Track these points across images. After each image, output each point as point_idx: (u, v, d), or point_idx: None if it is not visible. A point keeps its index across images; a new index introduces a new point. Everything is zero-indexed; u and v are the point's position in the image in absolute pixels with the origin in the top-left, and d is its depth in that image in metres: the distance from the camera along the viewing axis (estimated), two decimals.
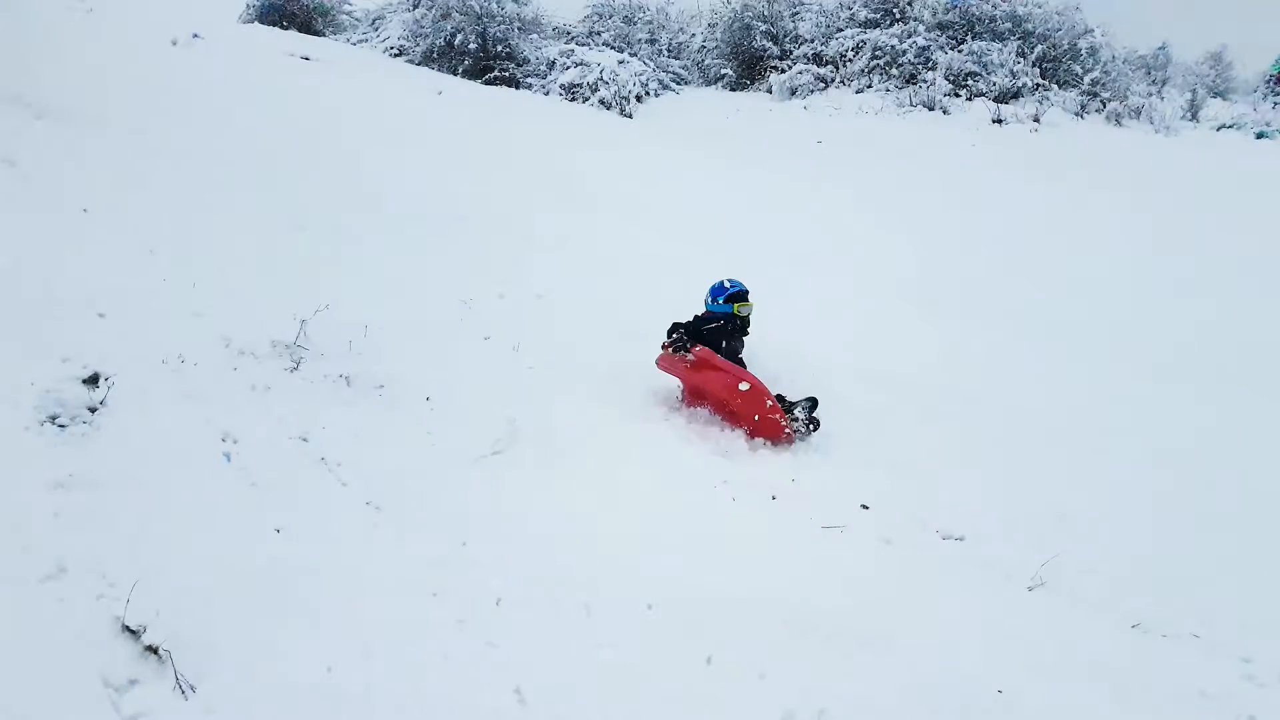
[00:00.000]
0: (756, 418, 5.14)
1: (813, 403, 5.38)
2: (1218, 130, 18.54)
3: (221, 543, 3.13)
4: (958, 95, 18.94)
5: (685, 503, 4.17)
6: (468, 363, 5.11)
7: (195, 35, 14.49)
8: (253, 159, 8.39)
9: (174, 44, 13.51)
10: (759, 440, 5.10)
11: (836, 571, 3.85)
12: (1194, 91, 20.95)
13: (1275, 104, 21.24)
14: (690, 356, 5.36)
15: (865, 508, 4.54)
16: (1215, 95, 24.27)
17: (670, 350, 5.47)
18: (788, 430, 5.17)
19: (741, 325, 5.71)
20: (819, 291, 8.83)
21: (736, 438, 5.09)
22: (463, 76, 21.58)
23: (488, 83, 21.32)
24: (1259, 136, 17.78)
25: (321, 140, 9.96)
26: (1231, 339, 8.30)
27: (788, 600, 3.48)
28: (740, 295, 5.71)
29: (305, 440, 3.97)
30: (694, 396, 5.50)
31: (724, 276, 5.83)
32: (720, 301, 5.72)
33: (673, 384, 5.60)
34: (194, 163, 7.55)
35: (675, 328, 5.60)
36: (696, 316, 5.74)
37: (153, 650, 2.61)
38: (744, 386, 5.18)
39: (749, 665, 3.10)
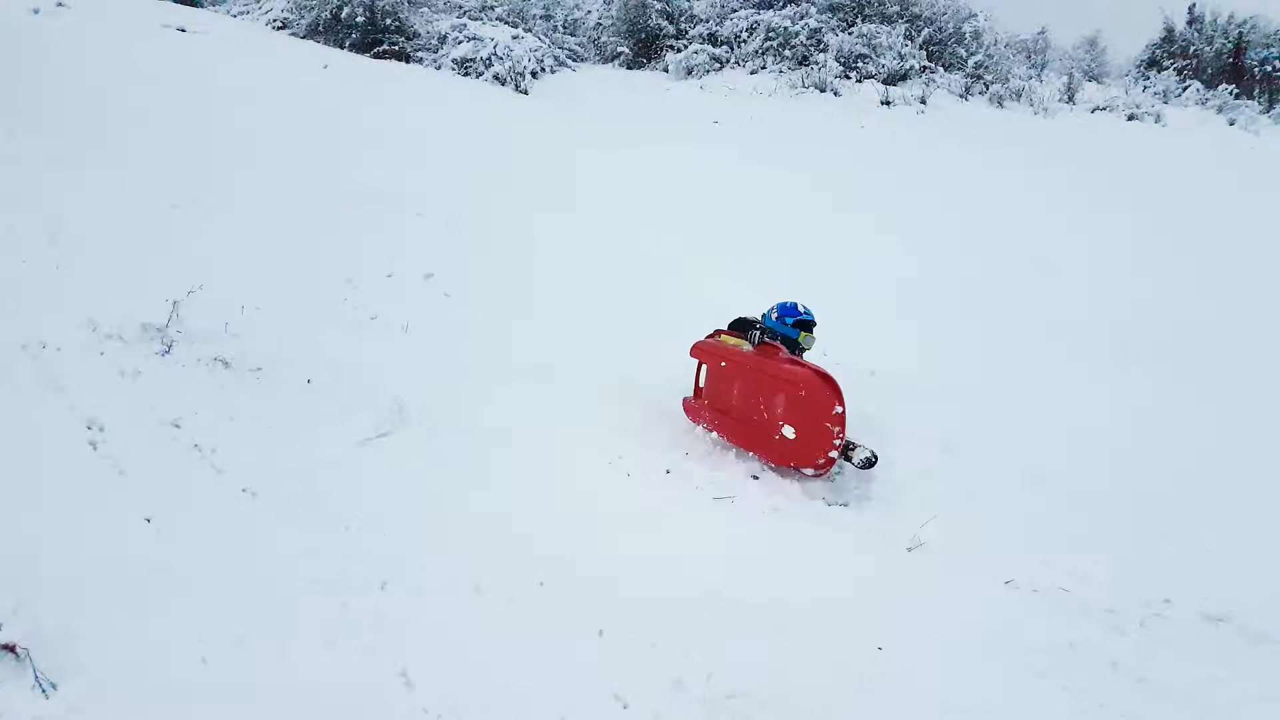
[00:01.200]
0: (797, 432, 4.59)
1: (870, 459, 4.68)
2: (1092, 112, 19.48)
3: (87, 535, 2.99)
4: (848, 77, 19.39)
5: (579, 479, 4.18)
6: (353, 343, 4.99)
7: (60, 3, 13.62)
8: (121, 134, 7.98)
9: (36, 12, 12.68)
10: (657, 416, 5.10)
11: (727, 542, 3.93)
12: (1071, 75, 21.93)
13: (1145, 88, 22.45)
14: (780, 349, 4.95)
15: (755, 478, 4.63)
16: (1091, 79, 25.48)
17: (743, 343, 5.14)
18: (825, 459, 4.59)
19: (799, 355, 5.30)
20: (713, 267, 8.93)
21: (634, 412, 5.09)
22: (350, 50, 20.94)
23: (376, 56, 20.75)
24: (1129, 118, 18.77)
25: (197, 116, 9.53)
26: (1113, 305, 8.76)
27: (680, 572, 3.53)
28: (808, 325, 5.36)
29: (178, 426, 3.82)
30: (718, 403, 5.07)
31: (794, 299, 5.46)
32: (787, 323, 5.32)
33: (568, 361, 5.56)
34: (61, 140, 7.14)
35: (745, 324, 5.34)
36: (752, 327, 5.38)
37: (9, 649, 2.47)
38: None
39: (641, 636, 3.14)
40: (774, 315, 5.41)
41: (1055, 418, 6.04)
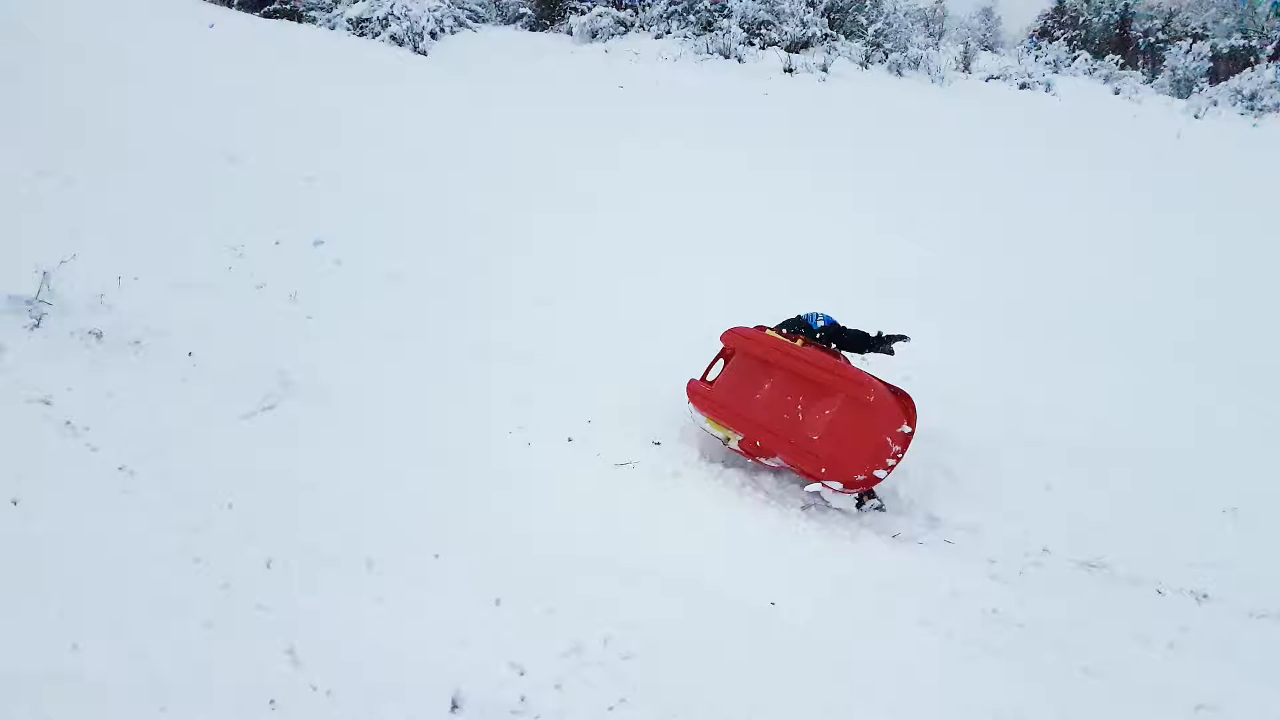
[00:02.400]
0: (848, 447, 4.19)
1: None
2: (987, 81, 20.03)
3: None
4: (752, 44, 19.45)
5: (475, 448, 4.13)
6: (238, 314, 4.81)
7: None
8: None
9: None
10: (554, 378, 5.02)
11: (627, 507, 3.95)
12: (967, 45, 22.52)
13: (1037, 57, 23.19)
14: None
15: (657, 444, 4.66)
16: (986, 48, 26.21)
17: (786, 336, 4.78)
18: (866, 475, 4.19)
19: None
20: (610, 234, 8.88)
21: (532, 380, 5.03)
22: (238, 9, 20.00)
23: (266, 15, 19.86)
24: (1022, 87, 19.37)
25: (66, 77, 8.96)
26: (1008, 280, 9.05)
27: (578, 538, 3.54)
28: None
29: (48, 403, 3.63)
30: (747, 408, 4.54)
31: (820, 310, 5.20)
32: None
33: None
34: None
35: (797, 325, 4.98)
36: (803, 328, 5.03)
37: None
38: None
39: (538, 602, 3.14)
40: (819, 323, 5.05)
41: (949, 375, 6.21)
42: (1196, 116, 16.46)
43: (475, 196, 7.90)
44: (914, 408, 4.36)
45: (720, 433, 4.56)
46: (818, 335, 4.91)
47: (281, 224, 6.12)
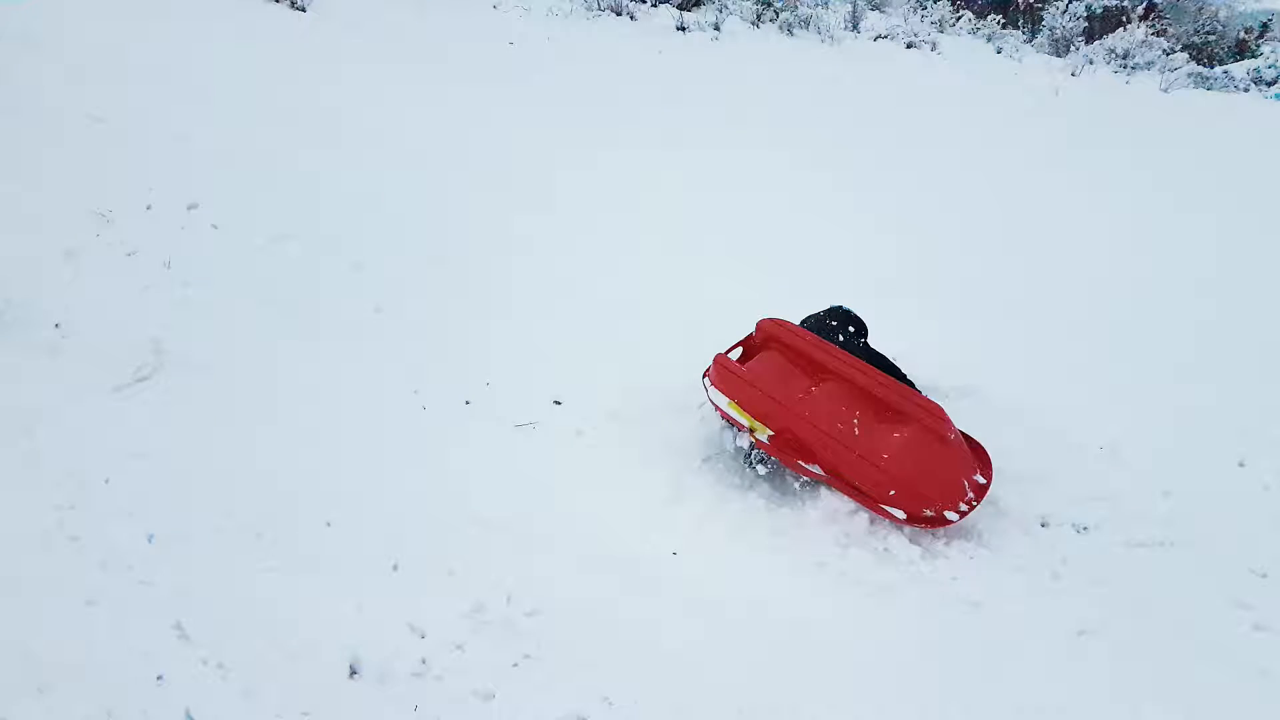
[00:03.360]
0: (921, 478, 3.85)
1: None
2: (875, 40, 20.40)
3: None
4: (644, 0, 19.31)
5: (365, 413, 4.04)
6: (107, 283, 4.56)
7: None
8: None
9: None
10: (448, 338, 4.95)
11: (527, 467, 3.95)
12: (855, 4, 22.85)
13: (923, 17, 23.75)
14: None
15: (558, 403, 4.65)
16: (874, 8, 26.65)
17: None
18: (935, 514, 3.85)
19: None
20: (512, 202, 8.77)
21: (428, 344, 4.91)
22: None
23: None
24: (908, 46, 19.82)
25: None
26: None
27: (477, 500, 3.53)
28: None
29: None
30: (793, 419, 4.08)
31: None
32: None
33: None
34: None
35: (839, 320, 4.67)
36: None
37: None
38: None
39: (438, 564, 3.13)
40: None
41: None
42: (1074, 74, 17.15)
43: (367, 154, 7.64)
44: (990, 461, 4.14)
45: (745, 420, 4.13)
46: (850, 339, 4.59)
47: (152, 187, 5.80)
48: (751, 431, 4.10)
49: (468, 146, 8.48)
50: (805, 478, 4.10)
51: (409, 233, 6.20)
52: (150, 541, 2.88)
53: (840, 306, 4.93)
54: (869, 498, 3.88)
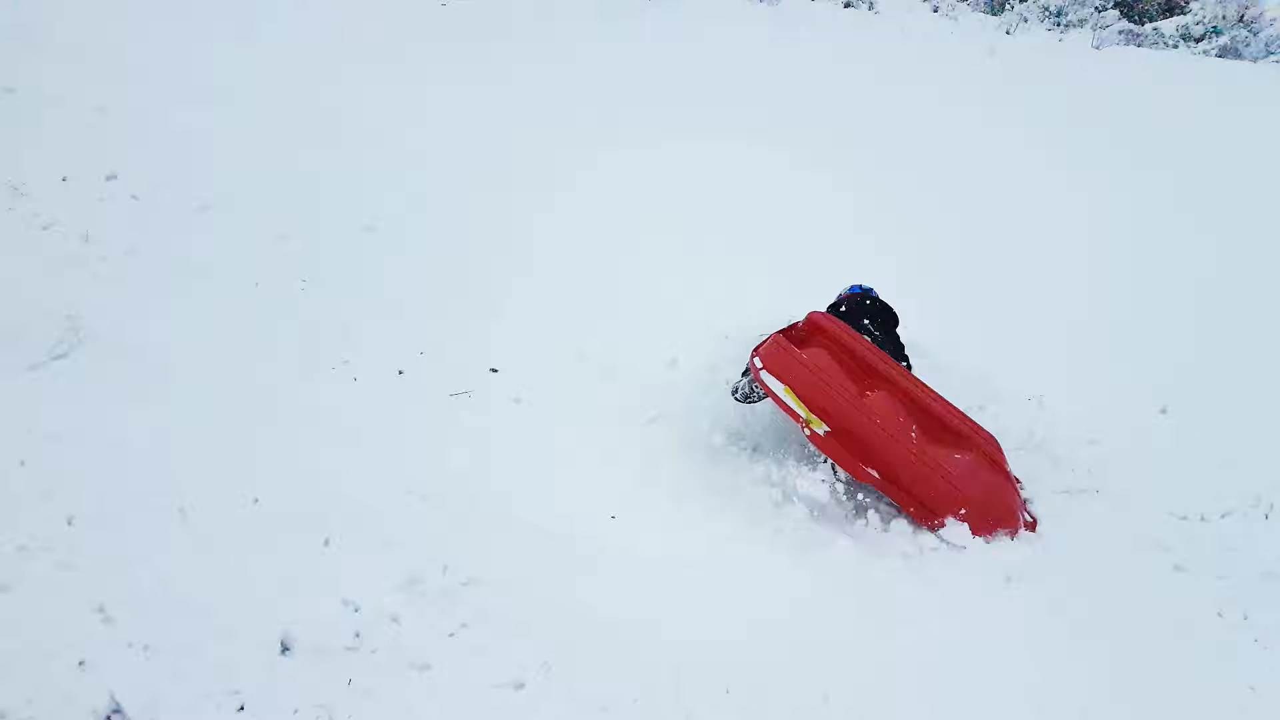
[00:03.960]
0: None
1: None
2: (812, 0, 20.39)
3: None
4: None
5: (292, 386, 3.98)
6: (21, 259, 4.40)
7: None
8: None
9: None
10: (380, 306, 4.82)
11: (463, 436, 3.93)
12: None
13: None
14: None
15: (494, 371, 4.62)
16: None
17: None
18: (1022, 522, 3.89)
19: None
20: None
21: (355, 313, 4.80)
22: None
23: None
24: (845, 6, 19.85)
25: None
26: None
27: (410, 469, 3.50)
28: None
29: None
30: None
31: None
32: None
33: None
34: None
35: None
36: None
37: None
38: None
39: (374, 537, 3.10)
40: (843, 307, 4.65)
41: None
42: (1008, 33, 17.34)
43: (282, 131, 7.43)
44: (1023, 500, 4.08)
45: (800, 410, 3.90)
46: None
47: (69, 159, 5.59)
48: (806, 424, 3.87)
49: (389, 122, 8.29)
50: (850, 476, 3.91)
51: (333, 203, 6.07)
52: (70, 524, 2.81)
53: (871, 292, 4.67)
54: (930, 511, 3.79)
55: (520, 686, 2.59)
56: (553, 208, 6.65)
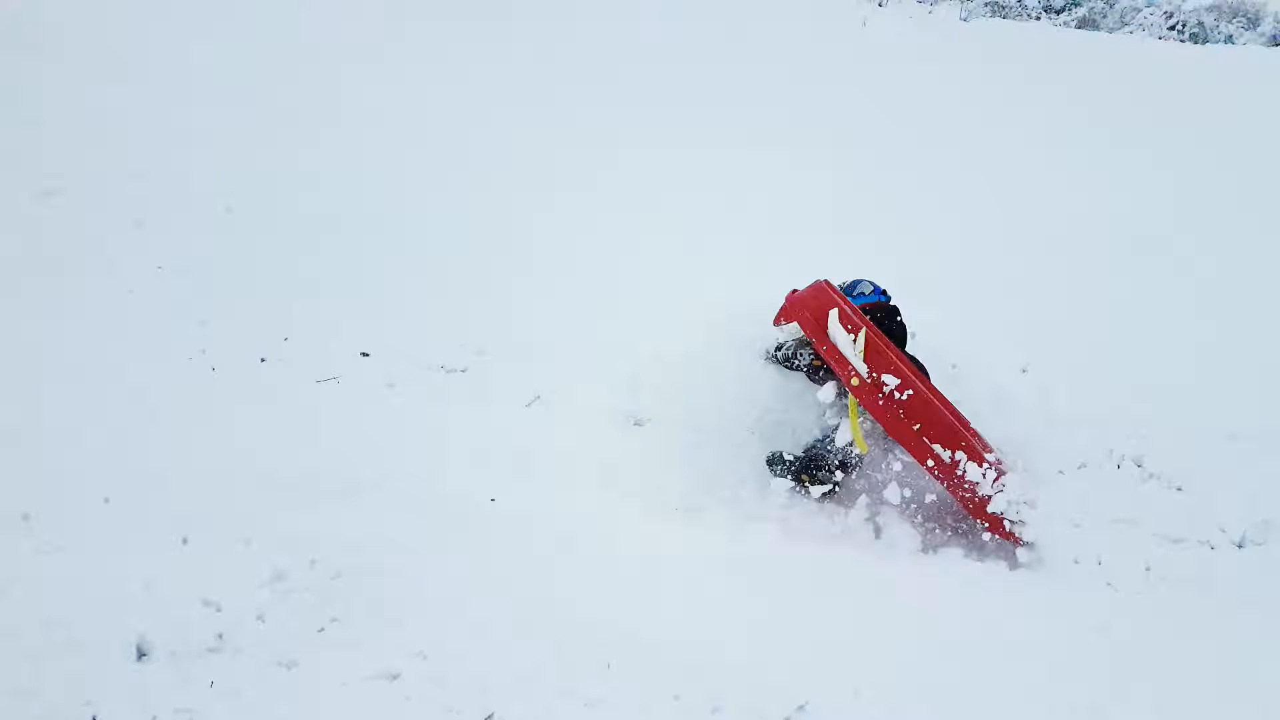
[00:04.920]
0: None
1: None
2: None
3: None
4: None
5: (143, 379, 3.81)
6: None
7: None
8: None
9: None
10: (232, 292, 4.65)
11: (332, 423, 3.84)
12: None
13: None
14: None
15: (366, 355, 4.52)
16: None
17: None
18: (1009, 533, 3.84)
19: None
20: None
21: (209, 296, 4.60)
22: None
23: None
24: None
25: None
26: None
27: (273, 460, 3.40)
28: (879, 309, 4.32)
29: None
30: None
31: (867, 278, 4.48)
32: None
33: None
34: None
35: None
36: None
37: None
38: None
39: (233, 533, 3.01)
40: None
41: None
42: (880, 4, 17.84)
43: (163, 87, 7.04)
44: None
45: (860, 365, 3.80)
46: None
47: None
48: (857, 382, 3.78)
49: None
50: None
51: (202, 186, 5.81)
52: None
53: (887, 301, 4.39)
54: (973, 502, 3.79)
55: (395, 678, 2.56)
56: (554, 206, 6.59)
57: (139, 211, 5.26)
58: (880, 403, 3.78)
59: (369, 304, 4.96)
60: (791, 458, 4.02)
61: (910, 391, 3.77)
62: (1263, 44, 21.61)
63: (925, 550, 3.80)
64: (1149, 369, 5.37)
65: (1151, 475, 4.53)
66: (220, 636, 2.62)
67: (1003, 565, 3.77)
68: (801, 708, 2.53)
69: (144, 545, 2.87)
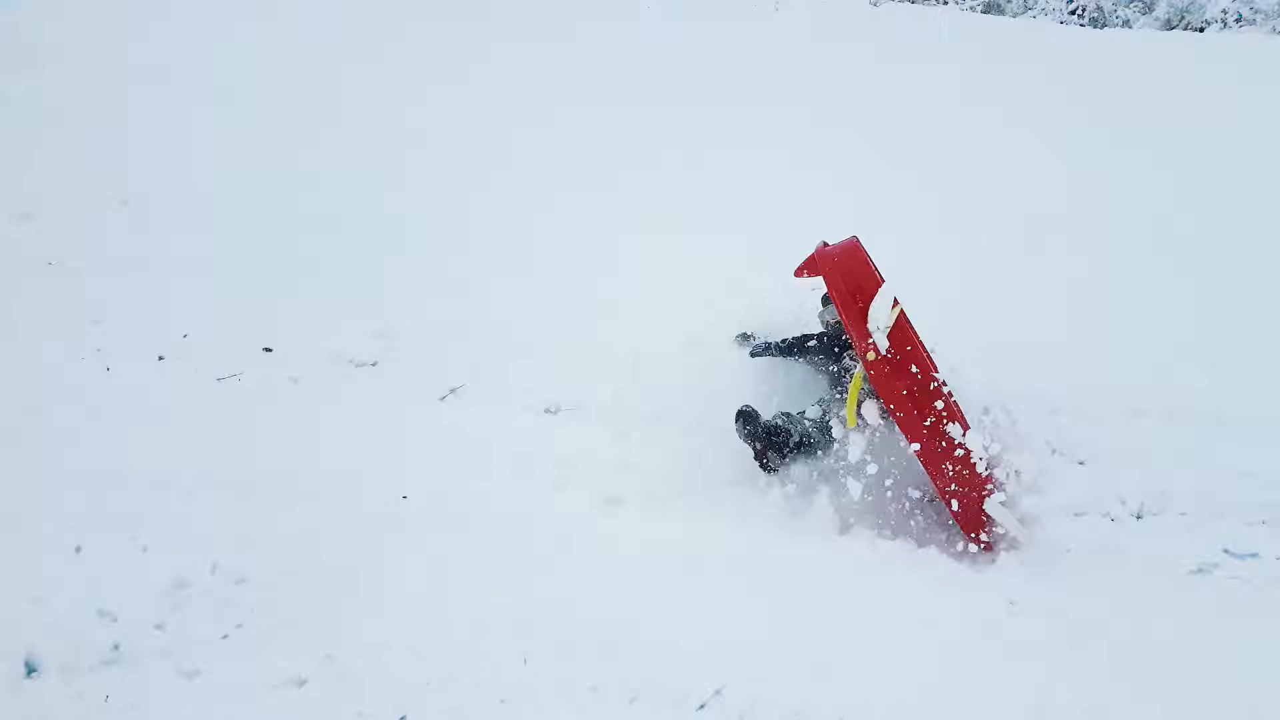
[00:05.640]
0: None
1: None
2: None
3: None
4: None
5: (26, 381, 3.65)
6: None
7: None
8: None
9: None
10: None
11: (234, 421, 3.74)
12: None
13: None
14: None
15: (268, 350, 4.40)
16: None
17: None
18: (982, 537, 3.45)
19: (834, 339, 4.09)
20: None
21: (102, 295, 4.43)
22: None
23: None
24: None
25: None
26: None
27: (171, 462, 3.30)
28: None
29: None
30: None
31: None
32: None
33: None
34: None
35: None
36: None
37: None
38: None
39: (129, 540, 2.92)
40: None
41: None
42: None
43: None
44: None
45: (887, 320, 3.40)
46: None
47: None
48: (873, 356, 3.33)
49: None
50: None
51: (91, 170, 5.58)
52: None
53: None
54: (962, 501, 3.42)
55: (301, 683, 2.52)
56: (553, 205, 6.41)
57: (24, 206, 5.04)
58: (891, 378, 3.33)
59: (269, 299, 4.83)
60: (765, 422, 3.75)
61: (922, 377, 3.39)
62: (1157, 27, 22.49)
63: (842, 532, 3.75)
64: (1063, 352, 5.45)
65: (1055, 450, 4.67)
66: (117, 648, 2.54)
67: (912, 542, 3.76)
68: (719, 692, 2.56)
69: (33, 557, 2.76)
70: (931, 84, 10.92)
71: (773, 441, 3.72)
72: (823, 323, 4.38)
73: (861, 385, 3.57)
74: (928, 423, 3.37)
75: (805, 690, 2.59)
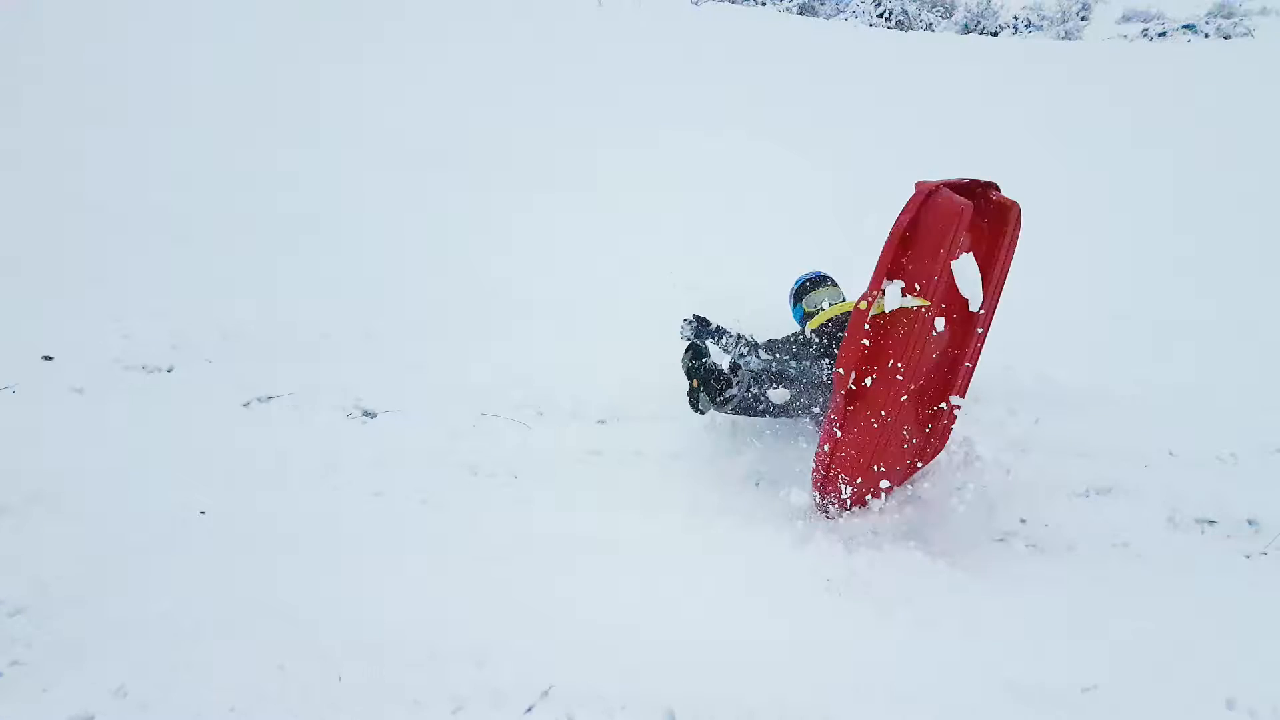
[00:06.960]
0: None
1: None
2: None
3: None
4: None
5: None
6: None
7: None
8: None
9: None
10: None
11: (88, 422, 3.42)
12: None
13: None
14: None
15: (48, 359, 4.02)
16: None
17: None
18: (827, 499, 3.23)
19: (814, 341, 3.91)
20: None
21: None
22: None
23: None
24: None
25: None
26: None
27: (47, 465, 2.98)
28: (811, 286, 4.12)
29: None
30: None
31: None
32: (792, 304, 4.24)
33: None
34: None
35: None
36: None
37: None
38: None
39: None
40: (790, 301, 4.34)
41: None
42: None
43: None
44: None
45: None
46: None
47: None
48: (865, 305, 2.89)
49: None
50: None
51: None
52: None
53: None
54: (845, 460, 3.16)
55: None
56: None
57: None
58: (861, 335, 2.92)
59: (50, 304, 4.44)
60: (710, 363, 3.57)
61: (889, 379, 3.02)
62: (956, 31, 24.08)
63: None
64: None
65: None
66: None
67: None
68: (545, 693, 2.50)
69: None
70: (755, 82, 11.30)
71: (709, 385, 3.51)
72: (804, 330, 4.10)
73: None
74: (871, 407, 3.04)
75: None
